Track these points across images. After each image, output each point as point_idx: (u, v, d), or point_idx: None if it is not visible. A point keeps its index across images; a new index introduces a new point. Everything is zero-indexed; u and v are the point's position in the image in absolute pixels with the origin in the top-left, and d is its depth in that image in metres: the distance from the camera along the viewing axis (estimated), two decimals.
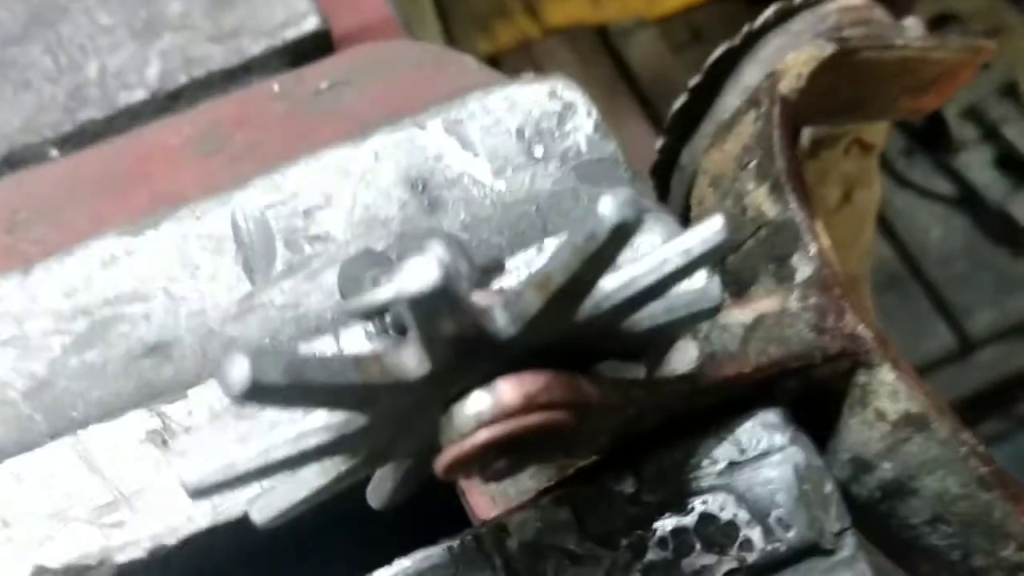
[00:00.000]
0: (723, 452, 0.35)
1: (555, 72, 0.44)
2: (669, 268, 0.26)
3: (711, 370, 0.34)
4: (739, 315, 0.36)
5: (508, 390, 0.26)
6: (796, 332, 0.37)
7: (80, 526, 0.35)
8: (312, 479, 0.29)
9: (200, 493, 0.25)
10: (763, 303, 0.37)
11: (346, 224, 0.40)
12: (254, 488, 0.33)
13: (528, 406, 0.25)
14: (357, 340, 0.37)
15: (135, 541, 0.34)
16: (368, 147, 0.41)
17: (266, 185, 0.41)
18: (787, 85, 0.45)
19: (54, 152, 0.62)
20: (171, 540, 0.34)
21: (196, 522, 0.35)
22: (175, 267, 0.40)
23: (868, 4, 0.59)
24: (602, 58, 1.86)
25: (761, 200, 0.42)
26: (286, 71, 0.61)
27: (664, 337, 0.31)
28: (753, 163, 0.43)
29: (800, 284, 0.38)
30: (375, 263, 0.36)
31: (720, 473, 0.35)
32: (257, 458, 0.26)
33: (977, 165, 1.88)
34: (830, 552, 0.35)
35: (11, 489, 0.35)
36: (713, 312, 0.30)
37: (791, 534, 0.35)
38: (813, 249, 0.39)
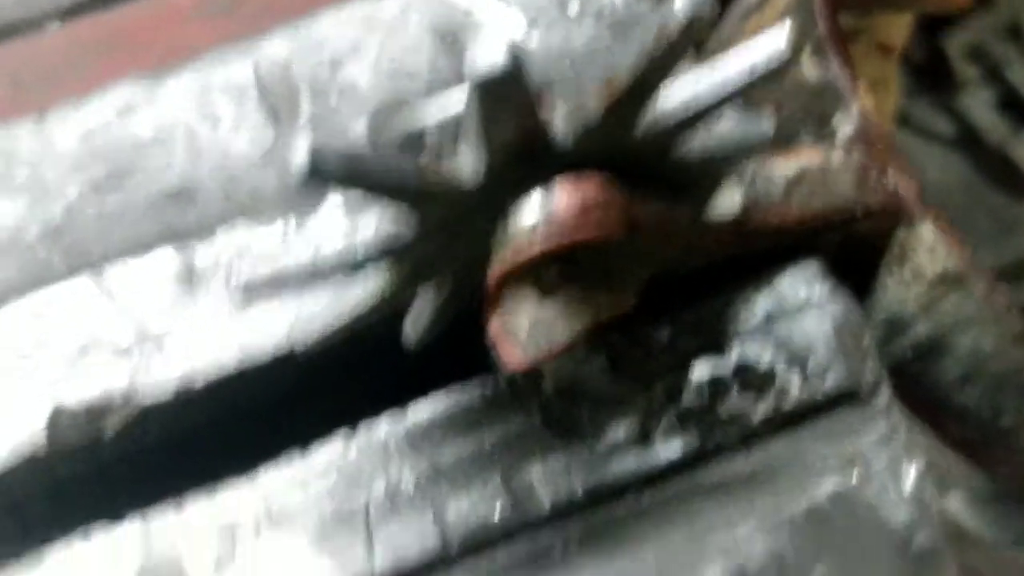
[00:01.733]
0: (763, 301, 0.35)
1: None
2: (731, 85, 0.25)
3: (755, 216, 0.33)
4: (783, 166, 0.35)
5: (565, 195, 0.25)
6: (839, 186, 0.36)
7: (103, 365, 0.34)
8: (354, 300, 0.28)
9: (249, 294, 0.25)
10: (807, 156, 0.36)
11: (372, 74, 0.39)
12: (290, 317, 0.32)
13: (584, 212, 0.25)
14: None
15: (161, 382, 0.34)
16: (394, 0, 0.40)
17: (290, 35, 0.40)
18: None
19: (55, 25, 0.59)
20: (199, 383, 0.34)
21: (224, 365, 0.34)
22: (197, 115, 0.38)
23: None
24: None
25: (802, 62, 0.41)
26: None
27: (715, 170, 0.30)
28: (796, 23, 0.42)
29: (843, 141, 0.37)
30: (401, 111, 0.35)
31: (759, 322, 0.35)
32: (308, 265, 0.25)
33: (978, 106, 1.87)
34: (865, 400, 0.35)
35: (31, 324, 0.34)
36: (764, 146, 0.30)
37: (828, 382, 0.34)
38: (856, 108, 0.38)
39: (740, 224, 0.33)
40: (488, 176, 0.25)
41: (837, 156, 0.36)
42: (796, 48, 0.26)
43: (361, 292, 0.28)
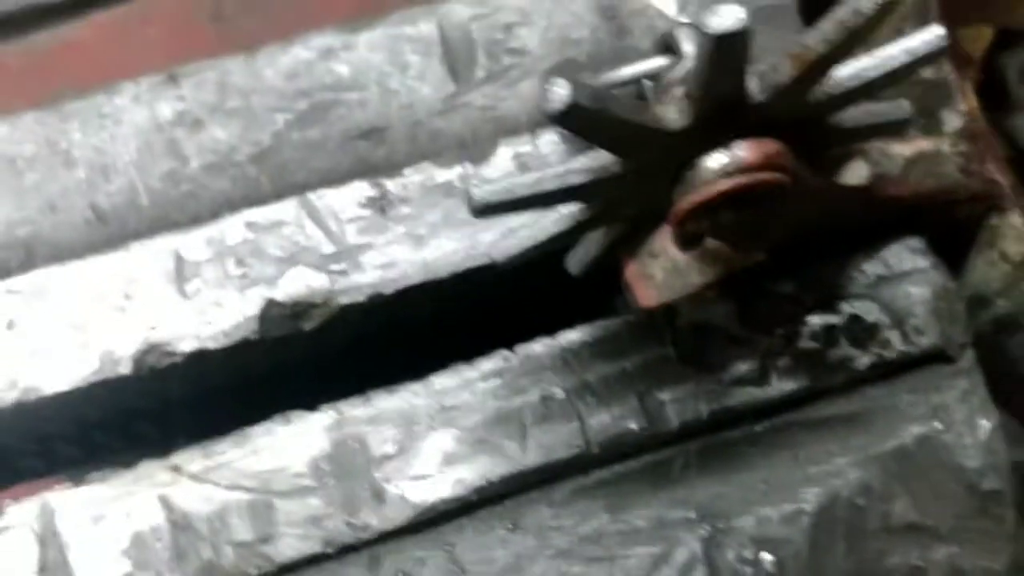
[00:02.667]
0: (872, 267, 0.41)
1: None
2: (894, 64, 0.31)
3: (878, 188, 0.39)
4: (902, 148, 0.41)
5: (750, 149, 0.30)
6: (947, 170, 0.41)
7: (308, 270, 0.40)
8: (550, 226, 0.34)
9: (483, 210, 0.30)
10: (922, 142, 0.42)
11: (541, 40, 0.44)
12: (472, 245, 0.38)
13: (763, 164, 0.30)
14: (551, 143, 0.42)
15: (357, 287, 0.40)
16: None
17: (471, 0, 0.45)
18: None
19: None
20: (388, 289, 0.40)
21: (410, 277, 0.40)
22: (388, 64, 0.44)
23: None
24: None
25: None
26: None
27: (863, 137, 0.36)
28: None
29: (951, 133, 0.43)
30: (577, 70, 0.40)
31: (869, 284, 0.40)
32: (533, 185, 0.31)
33: None
34: (953, 360, 0.40)
35: (244, 234, 0.40)
36: (905, 123, 0.35)
37: (924, 339, 0.40)
38: (963, 106, 0.43)
39: (865, 192, 0.38)
40: (694, 122, 0.31)
41: (946, 145, 0.42)
42: (948, 41, 0.31)
43: (554, 219, 0.34)
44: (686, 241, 0.35)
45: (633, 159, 0.31)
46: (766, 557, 0.38)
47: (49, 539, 0.37)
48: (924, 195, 0.40)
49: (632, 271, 0.40)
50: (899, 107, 0.35)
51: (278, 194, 0.42)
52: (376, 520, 0.37)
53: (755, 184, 0.31)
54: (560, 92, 0.27)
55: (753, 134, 0.31)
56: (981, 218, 0.42)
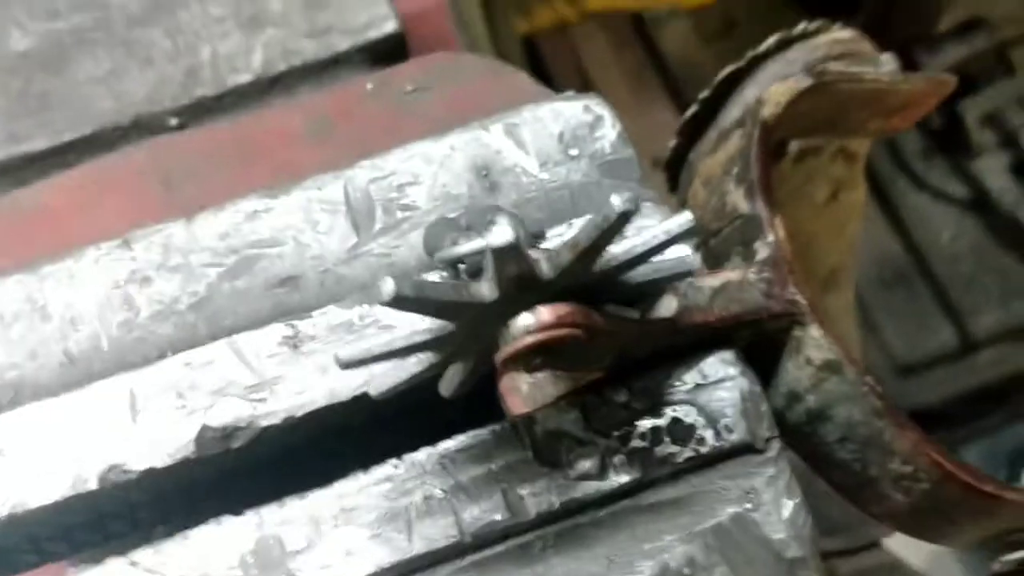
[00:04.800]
0: (691, 377, 0.50)
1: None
2: (655, 242, 0.41)
3: (686, 317, 0.48)
4: (710, 280, 0.50)
5: (546, 312, 0.40)
6: (751, 295, 0.51)
7: (234, 400, 0.50)
8: (411, 367, 0.43)
9: (348, 365, 0.40)
10: (729, 273, 0.51)
11: (428, 197, 0.54)
12: (363, 376, 0.47)
13: (558, 323, 0.40)
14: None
15: (273, 412, 0.49)
16: (446, 142, 0.55)
17: (371, 166, 0.55)
18: (767, 111, 0.59)
19: (173, 121, 0.76)
20: (299, 412, 0.49)
21: (316, 402, 0.49)
22: (301, 222, 0.54)
23: (855, 37, 0.72)
24: (635, 44, 1.95)
25: (738, 199, 0.56)
26: (368, 65, 0.76)
27: (653, 289, 0.45)
28: (735, 170, 0.57)
29: (758, 262, 0.52)
30: (450, 227, 0.50)
31: (687, 391, 0.50)
32: (386, 345, 0.40)
33: (993, 171, 1.98)
34: (760, 451, 0.49)
35: (183, 372, 0.50)
36: (687, 274, 0.45)
37: (733, 436, 0.49)
38: (771, 238, 0.53)
39: (675, 322, 0.48)
40: (501, 296, 0.40)
41: (752, 274, 0.51)
42: (696, 224, 0.41)
43: (415, 363, 0.43)
44: (529, 370, 0.45)
45: (461, 322, 0.41)
46: None
47: None
48: (728, 318, 0.50)
49: (504, 384, 0.49)
50: (682, 262, 0.44)
51: (212, 337, 0.52)
52: None
53: (552, 339, 0.40)
54: (386, 287, 0.37)
55: (554, 299, 0.41)
56: (786, 331, 0.52)
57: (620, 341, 0.46)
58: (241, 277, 0.53)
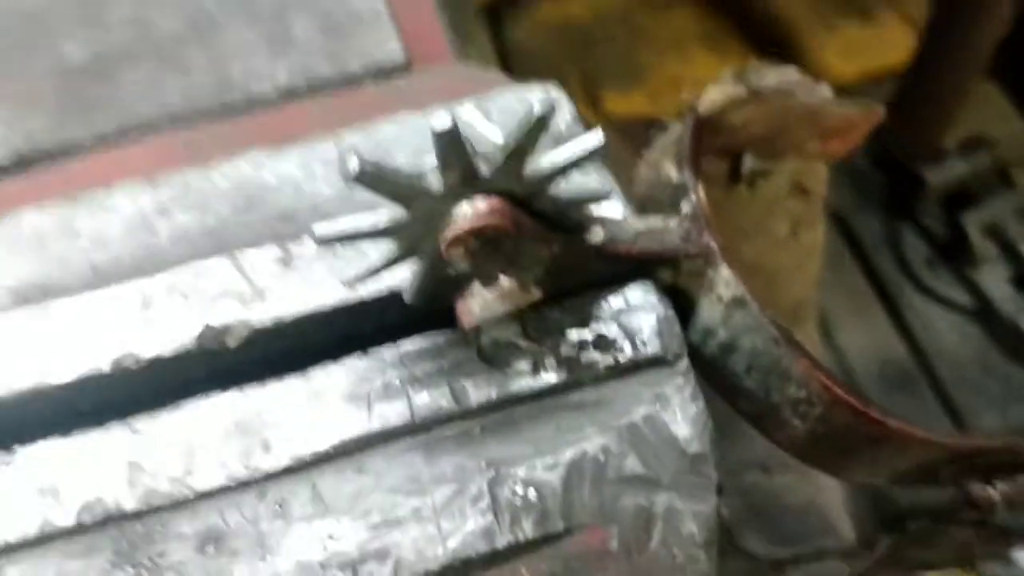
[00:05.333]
0: (616, 302, 0.59)
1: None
2: (571, 154, 0.51)
3: (610, 246, 0.58)
4: (636, 223, 0.60)
5: (481, 202, 0.50)
6: (670, 238, 0.60)
7: (232, 303, 0.59)
8: (376, 261, 0.53)
9: (322, 240, 0.50)
10: (653, 220, 0.61)
11: (408, 155, 0.65)
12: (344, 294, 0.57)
13: (490, 211, 0.50)
14: None
15: (265, 316, 0.59)
16: (425, 114, 0.66)
17: (361, 130, 0.66)
18: (702, 106, 0.70)
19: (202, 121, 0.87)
20: (287, 317, 0.59)
21: (302, 309, 0.59)
22: (299, 172, 0.65)
23: (800, 74, 0.83)
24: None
25: (670, 172, 0.66)
26: (375, 83, 0.87)
27: (579, 204, 0.55)
28: (671, 150, 0.67)
29: (680, 215, 0.62)
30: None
31: (612, 313, 0.59)
32: (353, 224, 0.50)
33: (995, 280, 2.07)
34: (670, 364, 0.58)
35: (190, 279, 0.60)
36: (603, 197, 0.54)
37: (648, 349, 0.58)
38: (693, 198, 0.63)
39: (599, 249, 0.57)
40: (446, 189, 0.50)
41: (673, 223, 0.61)
42: (606, 141, 0.51)
43: (379, 255, 0.53)
44: (480, 275, 0.54)
45: (414, 209, 0.51)
46: (531, 492, 0.55)
47: (45, 472, 0.55)
48: (648, 253, 0.59)
49: (460, 306, 0.59)
50: (600, 185, 0.54)
51: (218, 254, 0.62)
52: (264, 464, 0.55)
53: (486, 225, 0.50)
54: (352, 162, 0.47)
55: (488, 197, 0.51)
56: (701, 274, 0.61)
57: (549, 251, 0.55)
58: (247, 213, 0.64)
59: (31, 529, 0.54)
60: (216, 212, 0.64)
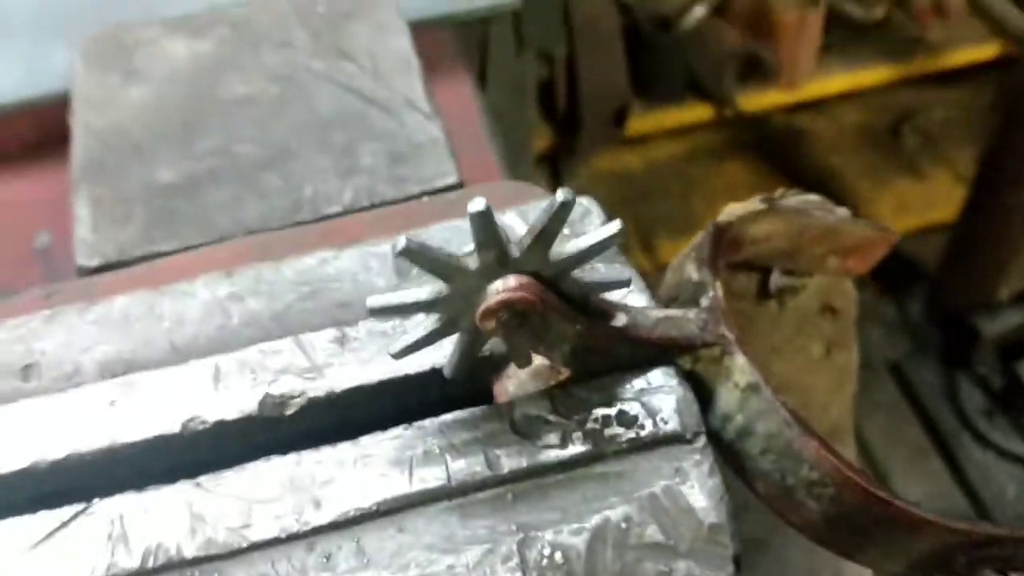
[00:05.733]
0: (638, 383, 0.65)
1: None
2: (593, 241, 0.58)
3: (631, 331, 0.64)
4: (656, 312, 0.66)
5: (512, 279, 0.57)
6: (688, 327, 0.66)
7: (292, 377, 0.66)
8: (419, 332, 0.60)
9: (374, 312, 0.57)
10: (673, 311, 0.67)
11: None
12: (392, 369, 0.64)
13: (520, 287, 0.56)
14: None
15: (319, 388, 0.65)
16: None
17: (413, 233, 0.74)
18: (723, 217, 0.77)
19: None
20: (339, 389, 0.65)
21: (353, 382, 0.65)
22: (358, 267, 0.73)
23: (821, 199, 0.89)
24: None
25: (691, 272, 0.72)
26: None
27: (599, 290, 0.62)
28: (693, 254, 0.74)
29: (700, 308, 0.68)
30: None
31: (635, 392, 0.64)
32: (398, 299, 0.57)
33: None
34: (689, 442, 0.63)
35: (257, 356, 0.67)
36: (627, 283, 0.61)
37: (668, 426, 0.63)
38: (711, 293, 0.69)
39: (622, 332, 0.63)
40: (481, 266, 0.57)
41: (691, 314, 0.67)
42: (623, 236, 0.58)
43: (423, 328, 0.60)
44: (512, 351, 0.61)
45: (453, 285, 0.57)
46: (557, 554, 0.59)
47: (116, 521, 0.61)
48: (667, 340, 0.65)
49: (496, 385, 0.65)
50: (620, 272, 0.61)
51: (282, 336, 0.69)
52: (314, 519, 0.61)
53: (516, 299, 0.56)
54: (400, 241, 0.55)
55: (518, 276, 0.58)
56: (719, 361, 0.66)
57: (574, 330, 0.61)
58: (310, 300, 0.71)
59: (99, 571, 0.59)
60: (283, 299, 0.71)
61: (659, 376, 0.65)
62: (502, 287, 0.57)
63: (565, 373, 0.65)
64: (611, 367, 0.65)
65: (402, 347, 0.61)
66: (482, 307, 0.57)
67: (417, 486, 0.61)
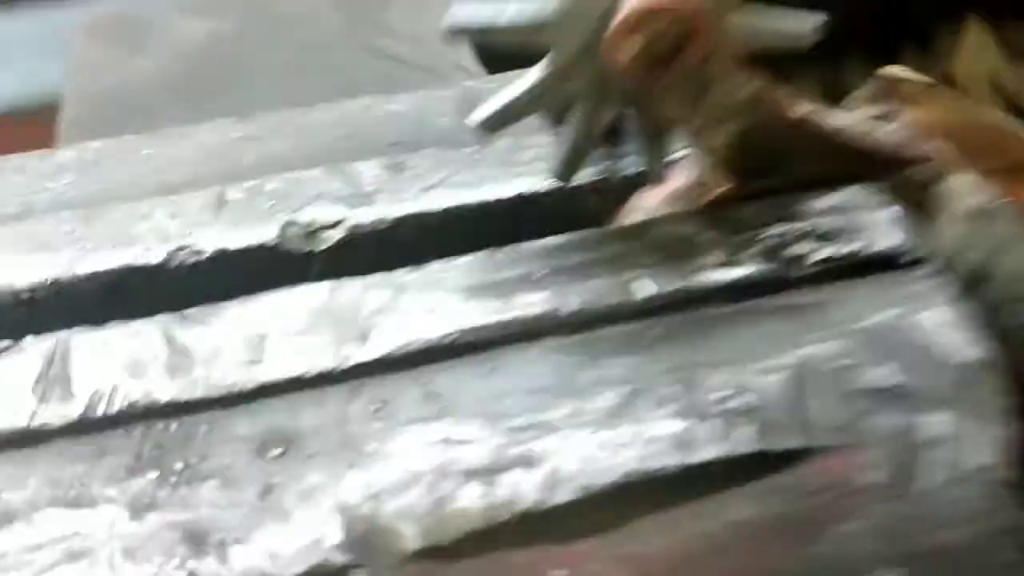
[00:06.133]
0: (829, 199, 0.45)
1: None
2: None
3: (818, 126, 0.45)
4: (844, 117, 0.47)
5: None
6: (886, 138, 0.47)
7: (327, 205, 0.46)
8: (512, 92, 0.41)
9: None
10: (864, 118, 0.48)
11: None
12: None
13: None
14: None
15: (365, 217, 0.46)
16: None
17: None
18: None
19: None
20: (391, 218, 0.45)
21: (408, 209, 0.46)
22: (412, 110, 0.54)
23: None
24: None
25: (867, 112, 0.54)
26: None
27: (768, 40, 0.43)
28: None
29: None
30: None
31: (826, 208, 0.44)
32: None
33: None
34: (913, 266, 0.42)
35: (279, 185, 0.48)
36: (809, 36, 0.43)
37: (882, 244, 0.43)
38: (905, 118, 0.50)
39: (806, 123, 0.44)
40: None
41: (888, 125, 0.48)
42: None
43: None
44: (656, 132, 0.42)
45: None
46: (748, 397, 0.37)
47: (56, 359, 0.39)
48: (867, 144, 0.46)
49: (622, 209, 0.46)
50: (803, 19, 0.43)
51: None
52: (360, 354, 0.39)
53: (665, 4, 0.38)
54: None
55: None
56: (928, 185, 0.47)
57: (746, 90, 0.42)
58: (353, 140, 0.53)
59: (19, 424, 0.37)
60: (315, 139, 0.52)
61: (857, 194, 0.45)
62: None
63: (722, 188, 0.45)
64: (787, 181, 0.46)
65: (493, 111, 0.42)
66: (619, 19, 0.39)
67: (513, 314, 0.41)
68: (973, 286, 0.45)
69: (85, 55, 0.90)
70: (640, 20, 0.38)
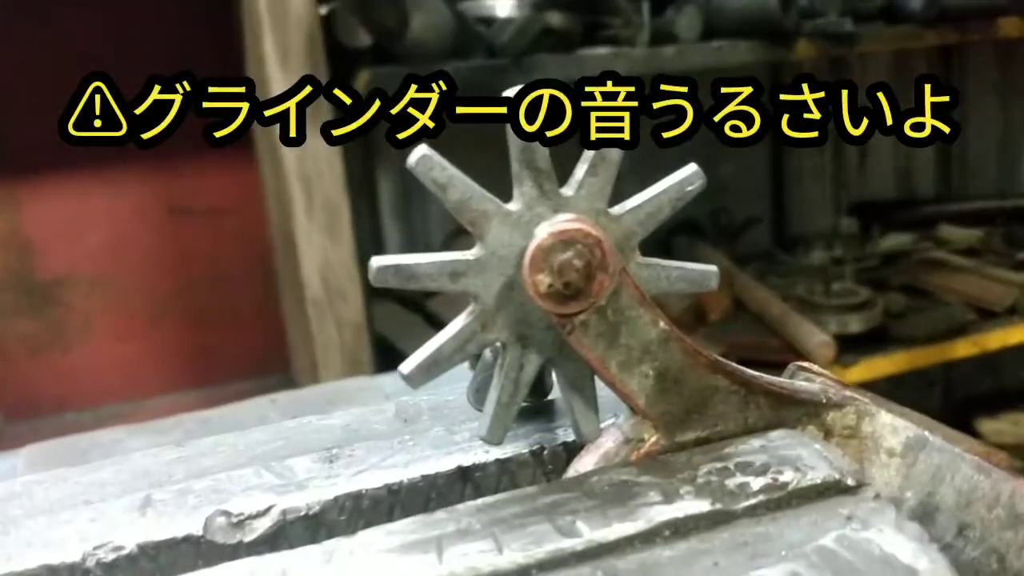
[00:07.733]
0: (754, 442, 0.45)
1: None
2: (669, 186, 0.44)
3: (733, 368, 0.46)
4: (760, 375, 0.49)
5: (567, 215, 0.42)
6: (815, 389, 0.49)
7: (257, 494, 0.45)
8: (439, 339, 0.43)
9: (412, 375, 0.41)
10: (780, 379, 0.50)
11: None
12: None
13: (578, 220, 0.42)
14: None
15: (297, 501, 0.45)
16: None
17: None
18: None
19: None
20: (324, 500, 0.44)
21: (342, 493, 0.45)
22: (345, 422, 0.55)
23: None
24: None
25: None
26: None
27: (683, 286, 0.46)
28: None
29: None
30: None
31: (753, 449, 0.45)
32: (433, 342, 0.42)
33: None
34: (855, 490, 0.42)
35: (207, 485, 0.47)
36: (711, 286, 0.46)
37: (817, 473, 0.42)
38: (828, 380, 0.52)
39: (719, 364, 0.46)
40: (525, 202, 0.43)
41: (816, 382, 0.50)
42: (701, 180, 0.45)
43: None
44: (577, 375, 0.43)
45: (488, 239, 0.42)
46: None
47: None
48: (786, 390, 0.47)
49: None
50: (709, 274, 0.46)
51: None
52: None
53: (571, 230, 0.41)
54: (416, 153, 0.41)
55: None
56: (855, 429, 0.48)
57: (658, 330, 0.44)
58: (286, 447, 0.52)
59: None
60: (248, 454, 0.52)
61: (782, 436, 0.46)
62: (551, 226, 0.42)
63: (651, 439, 0.46)
64: (708, 428, 0.46)
65: (420, 362, 0.43)
66: (531, 250, 0.42)
67: (450, 566, 0.39)
68: (920, 520, 0.44)
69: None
70: (550, 249, 0.41)
